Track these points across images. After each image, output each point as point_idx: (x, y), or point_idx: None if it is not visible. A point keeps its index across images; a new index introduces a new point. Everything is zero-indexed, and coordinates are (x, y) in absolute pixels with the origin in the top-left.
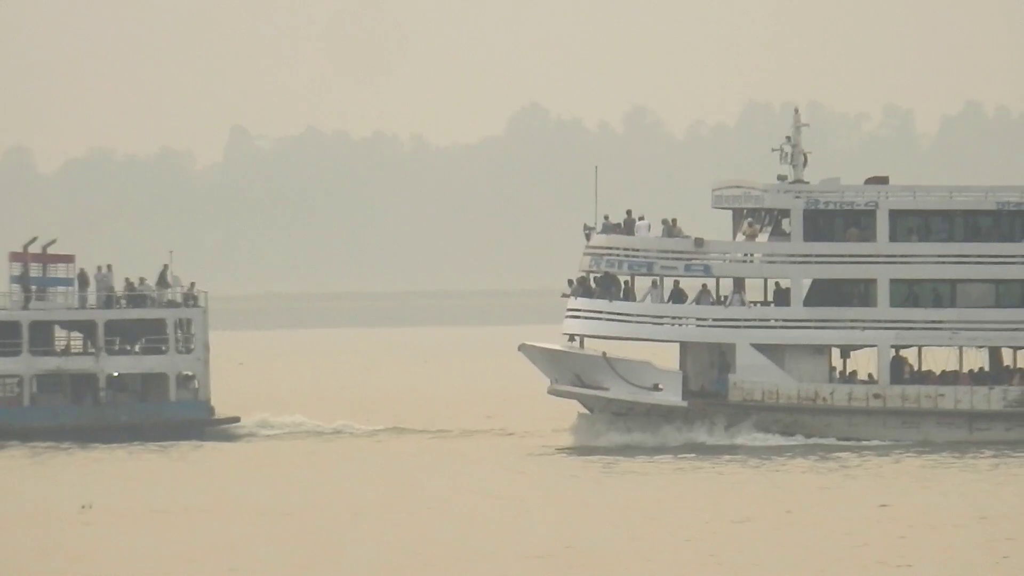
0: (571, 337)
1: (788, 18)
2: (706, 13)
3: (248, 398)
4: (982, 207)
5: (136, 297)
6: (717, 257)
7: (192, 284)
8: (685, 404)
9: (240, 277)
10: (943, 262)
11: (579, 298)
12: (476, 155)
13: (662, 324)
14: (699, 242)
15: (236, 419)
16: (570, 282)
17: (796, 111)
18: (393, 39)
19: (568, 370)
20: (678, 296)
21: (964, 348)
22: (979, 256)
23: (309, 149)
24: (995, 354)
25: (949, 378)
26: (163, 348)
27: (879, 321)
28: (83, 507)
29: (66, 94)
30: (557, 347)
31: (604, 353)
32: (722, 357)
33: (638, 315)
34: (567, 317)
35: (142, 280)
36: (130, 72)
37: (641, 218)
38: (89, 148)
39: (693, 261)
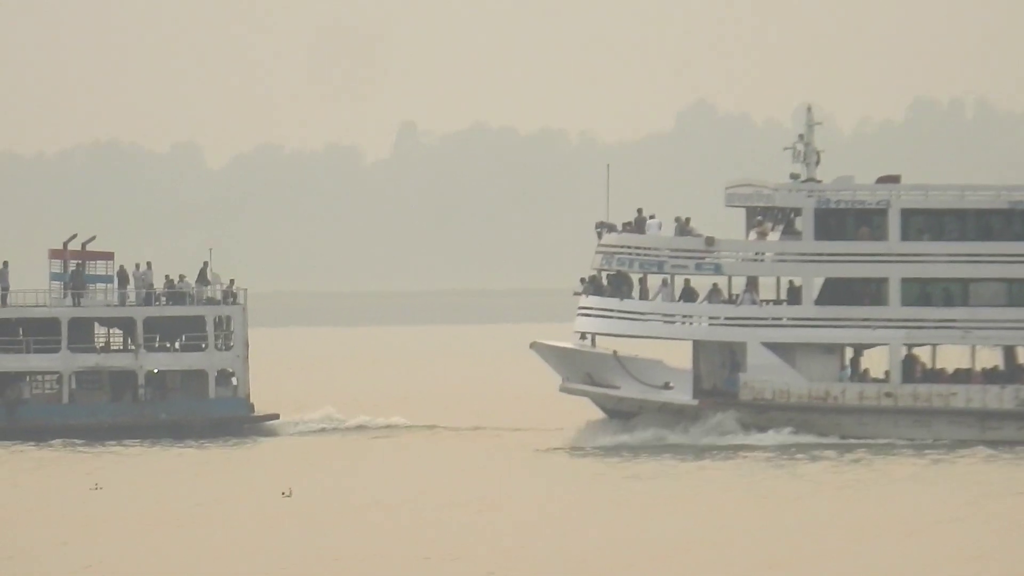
0: (582, 335)
1: (957, 13)
2: (875, 8)
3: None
4: (994, 206)
5: (175, 294)
6: (728, 256)
7: (232, 281)
8: (695, 403)
9: (409, 272)
10: (955, 261)
11: (590, 296)
12: (643, 151)
13: (673, 323)
14: (710, 241)
15: (276, 416)
16: (582, 280)
17: (809, 109)
18: (563, 35)
19: (579, 368)
20: (689, 295)
21: (978, 347)
22: (991, 255)
23: (476, 145)
24: (1010, 353)
25: (961, 377)
26: (202, 345)
27: (890, 320)
28: (284, 494)
29: (236, 91)
30: (568, 345)
31: (615, 352)
32: (733, 356)
33: (649, 313)
34: (578, 315)
35: (181, 277)
36: (301, 68)
37: (652, 216)
38: (257, 144)
39: (704, 260)
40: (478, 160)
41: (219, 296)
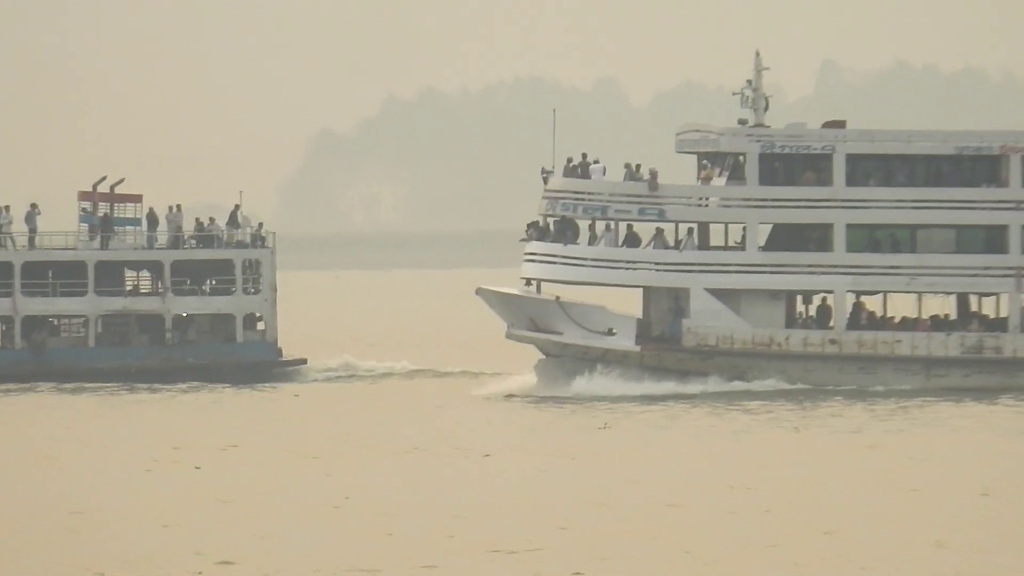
0: (528, 281)
1: None
2: None
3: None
4: (941, 152)
5: (204, 237)
6: (672, 201)
7: (260, 225)
8: (638, 349)
9: None
10: (900, 207)
11: (535, 242)
12: None
13: (616, 268)
14: (653, 185)
15: (303, 361)
16: (528, 226)
17: (757, 53)
18: None
19: (523, 314)
20: (632, 240)
21: (927, 295)
22: (939, 201)
23: (898, 83)
24: (963, 301)
25: (908, 324)
26: (231, 289)
27: (835, 266)
28: (602, 427)
29: (658, 27)
30: (511, 291)
31: (557, 297)
32: (677, 302)
33: (591, 259)
34: (524, 261)
35: (212, 220)
36: (717, 5)
37: (596, 161)
38: (681, 81)
39: (647, 205)
40: (900, 99)
41: (248, 239)
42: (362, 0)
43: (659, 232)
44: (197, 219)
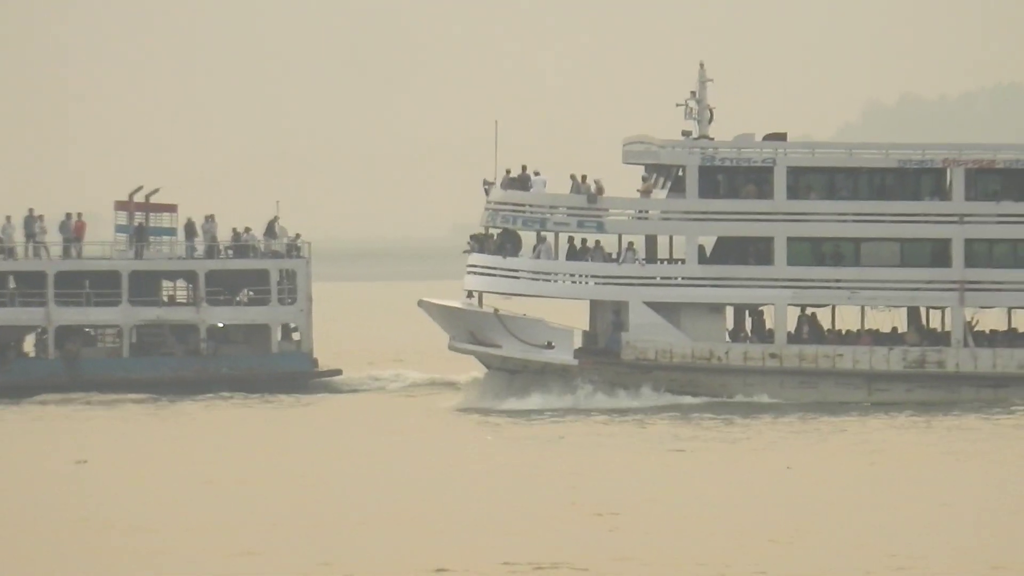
0: (469, 293)
1: None
2: None
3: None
4: (884, 165)
5: (240, 247)
6: (611, 213)
7: (297, 235)
8: (576, 363)
9: None
10: (842, 220)
11: (476, 254)
12: None
13: (555, 281)
14: (592, 198)
15: (338, 371)
16: (471, 238)
17: (701, 65)
18: None
19: (463, 327)
20: (572, 253)
21: (871, 308)
22: (881, 214)
23: None
24: (914, 314)
25: (852, 338)
26: (266, 299)
27: (775, 279)
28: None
29: None
30: (451, 303)
31: (496, 310)
32: (617, 315)
33: (530, 271)
34: (466, 273)
35: (247, 230)
36: None
37: (536, 173)
38: None
39: (587, 217)
40: None
41: (284, 250)
42: (842, 4)
43: (597, 244)
44: (234, 229)
